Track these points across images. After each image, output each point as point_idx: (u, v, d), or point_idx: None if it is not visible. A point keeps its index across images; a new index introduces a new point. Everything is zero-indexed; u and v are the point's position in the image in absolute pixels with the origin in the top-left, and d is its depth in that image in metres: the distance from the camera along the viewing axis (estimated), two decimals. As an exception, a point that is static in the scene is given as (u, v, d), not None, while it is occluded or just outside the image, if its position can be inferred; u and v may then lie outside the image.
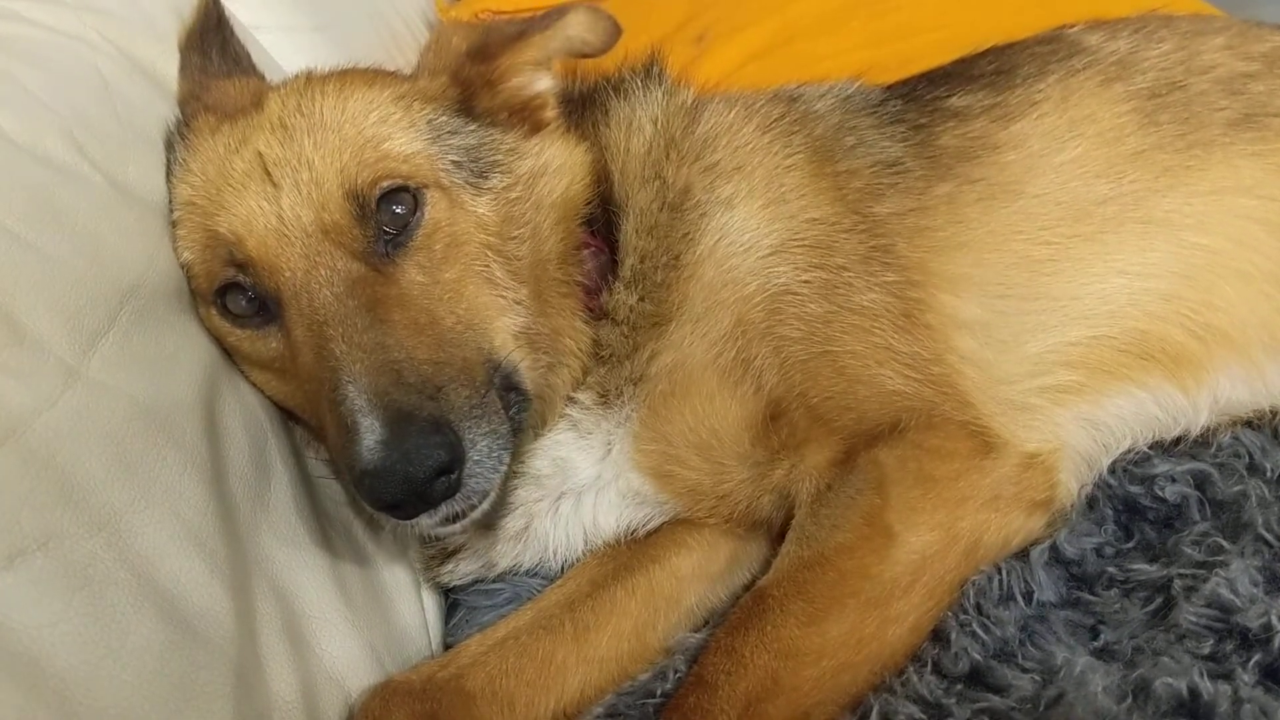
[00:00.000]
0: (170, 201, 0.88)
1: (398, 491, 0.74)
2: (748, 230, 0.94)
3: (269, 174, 0.85)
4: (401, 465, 0.74)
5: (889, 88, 1.12)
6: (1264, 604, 0.68)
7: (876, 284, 0.92)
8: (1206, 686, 0.63)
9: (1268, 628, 0.66)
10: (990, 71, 1.05)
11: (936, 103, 1.03)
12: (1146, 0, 1.31)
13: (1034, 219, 0.95)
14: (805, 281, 0.91)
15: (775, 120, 1.04)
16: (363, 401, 0.75)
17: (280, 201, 0.83)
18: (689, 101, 1.05)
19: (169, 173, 0.91)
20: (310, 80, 0.92)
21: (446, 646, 0.93)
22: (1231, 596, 0.69)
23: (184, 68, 1.01)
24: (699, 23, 1.64)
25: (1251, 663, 0.65)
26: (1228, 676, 0.65)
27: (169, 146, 0.93)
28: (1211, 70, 1.00)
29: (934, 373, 0.88)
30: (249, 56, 1.10)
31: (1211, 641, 0.67)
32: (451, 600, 0.96)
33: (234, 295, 0.85)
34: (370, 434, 0.74)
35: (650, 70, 1.07)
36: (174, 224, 0.88)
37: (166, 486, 0.70)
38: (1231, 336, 0.91)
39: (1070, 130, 0.99)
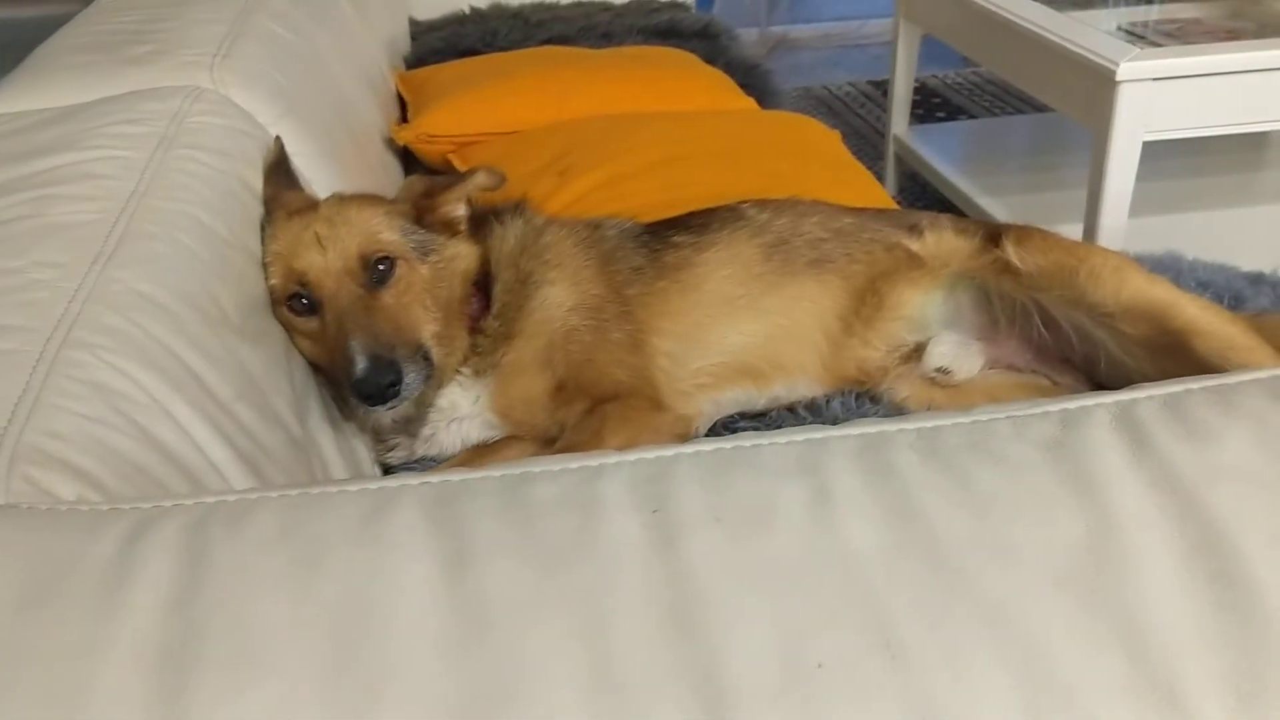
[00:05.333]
0: (263, 253, 1.56)
1: (370, 393, 1.46)
2: (559, 297, 1.71)
3: (321, 244, 1.51)
4: (374, 379, 1.47)
5: (648, 225, 1.88)
6: None
7: (621, 329, 1.70)
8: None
9: None
10: (697, 224, 1.84)
11: (666, 237, 1.82)
12: (798, 185, 2.23)
13: (704, 303, 1.74)
14: (585, 324, 1.69)
15: (583, 239, 1.82)
16: (358, 351, 1.49)
17: (327, 257, 1.51)
18: (539, 224, 1.82)
19: (262, 239, 1.62)
20: (343, 198, 1.67)
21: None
22: None
23: (266, 183, 1.70)
24: (564, 161, 2.37)
25: None
26: None
27: (262, 226, 1.64)
28: (805, 235, 1.81)
29: (643, 374, 1.67)
30: (297, 177, 1.83)
31: None
32: (387, 471, 1.75)
33: (296, 300, 1.52)
34: (360, 365, 1.48)
35: (519, 206, 1.85)
36: (266, 265, 1.59)
37: (280, 386, 1.47)
38: (785, 366, 1.74)
39: (729, 259, 1.77)
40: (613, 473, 0.80)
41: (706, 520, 0.74)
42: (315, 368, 1.67)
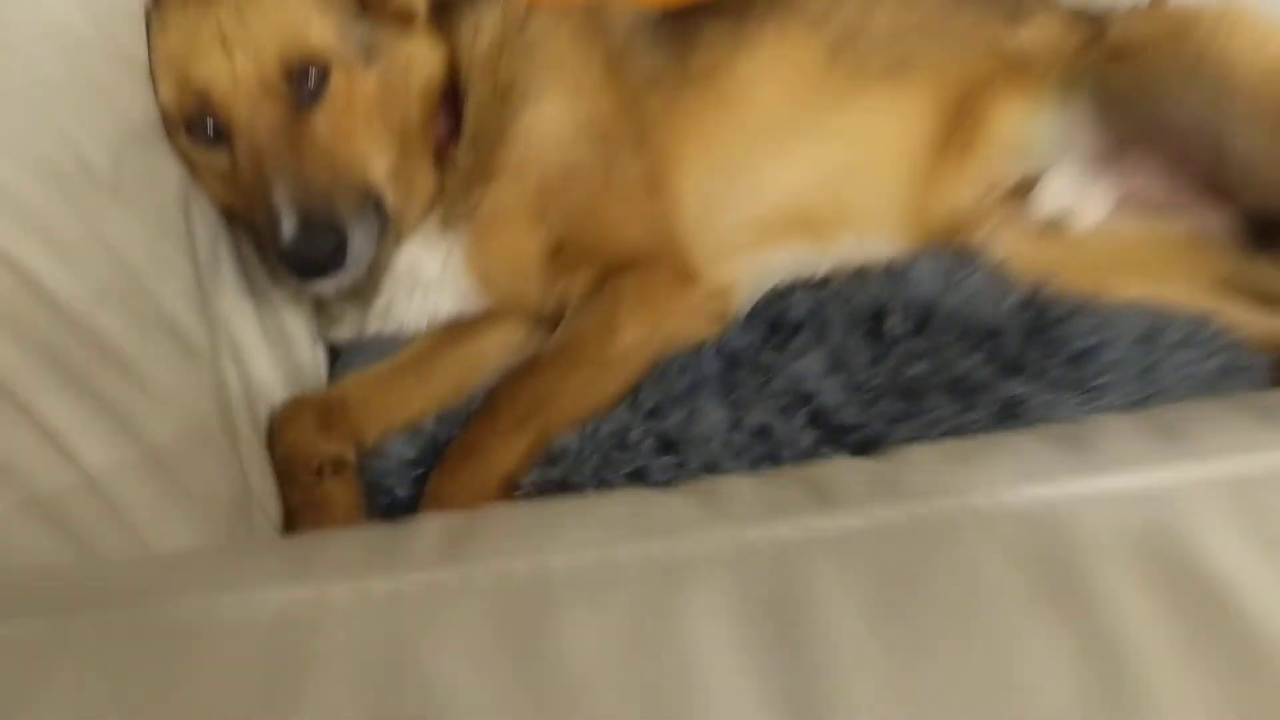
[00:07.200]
0: (150, 55, 1.19)
1: (304, 264, 1.12)
2: (553, 115, 1.30)
3: (226, 44, 1.14)
4: (307, 248, 1.10)
5: (667, 10, 1.44)
6: (817, 380, 1.13)
7: (637, 163, 1.30)
8: (777, 423, 1.12)
9: (817, 391, 1.12)
10: (733, 9, 1.41)
11: (694, 30, 1.39)
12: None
13: (744, 126, 1.34)
14: (588, 156, 1.29)
15: (583, 31, 1.38)
16: (284, 204, 1.11)
17: (235, 64, 1.15)
18: (522, 11, 1.38)
19: (148, 33, 1.19)
20: None
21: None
22: (803, 375, 1.14)
23: None
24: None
25: (803, 412, 1.11)
26: (789, 419, 1.13)
27: (147, 15, 1.20)
28: (879, 28, 1.38)
29: (663, 228, 1.28)
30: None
31: (786, 399, 1.13)
32: (334, 353, 1.35)
33: (198, 126, 1.17)
34: (289, 226, 1.10)
35: None
36: (153, 72, 1.18)
37: (173, 264, 1.07)
38: (855, 215, 1.34)
39: (779, 62, 1.36)
40: None
41: None
42: (230, 215, 1.26)
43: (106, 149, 1.07)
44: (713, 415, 1.12)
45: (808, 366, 1.16)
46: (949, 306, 1.21)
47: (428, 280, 1.31)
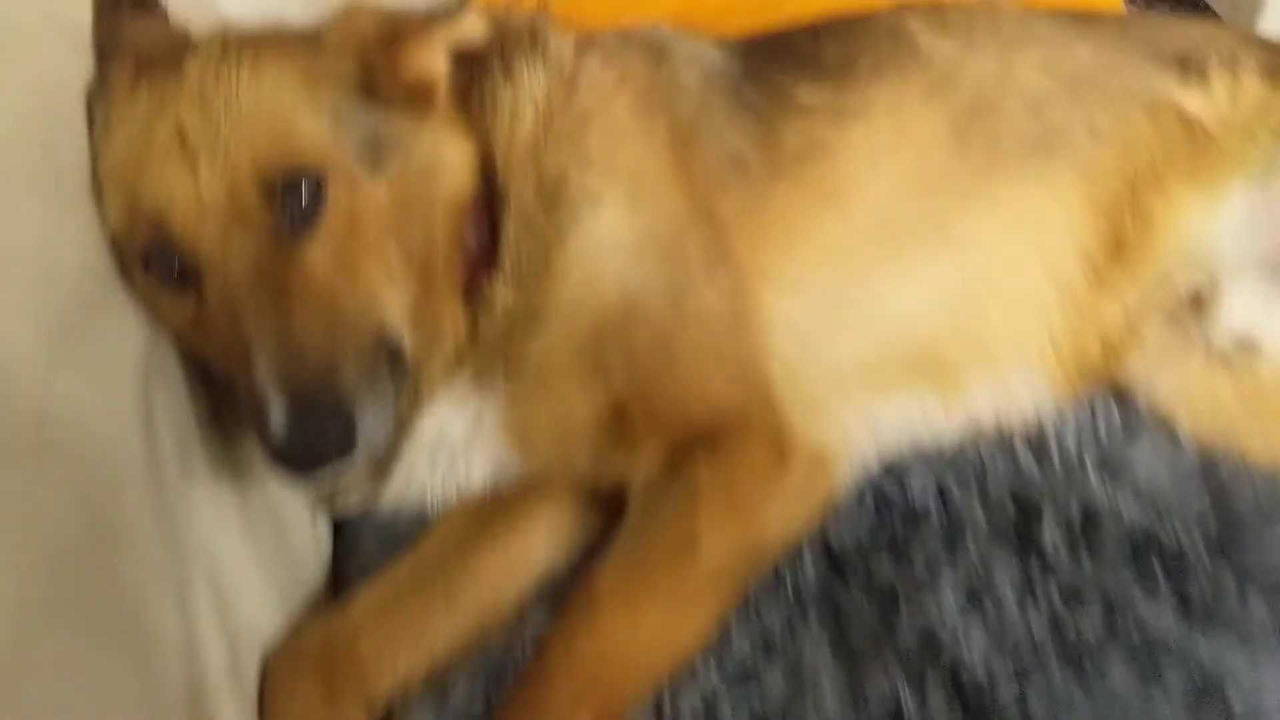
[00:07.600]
0: (94, 165, 0.91)
1: (298, 470, 0.86)
2: (611, 232, 1.01)
3: (188, 150, 0.89)
4: (302, 439, 0.84)
5: (745, 56, 1.14)
6: (953, 623, 0.89)
7: (716, 286, 1.02)
8: (906, 695, 0.86)
9: (954, 641, 0.88)
10: (834, 62, 1.11)
11: (785, 94, 1.09)
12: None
13: (852, 230, 1.06)
14: (656, 285, 1.01)
15: (644, 93, 1.08)
16: (270, 379, 0.84)
17: (198, 180, 0.88)
18: (568, 68, 1.07)
19: (90, 131, 0.92)
20: (227, 48, 0.93)
21: (335, 565, 1.09)
22: (933, 609, 0.90)
23: (97, 8, 0.97)
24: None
25: (939, 674, 0.86)
26: (921, 678, 0.87)
27: (89, 108, 0.93)
28: (1021, 89, 1.09)
29: (752, 378, 1.01)
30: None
31: (914, 650, 0.88)
32: (340, 525, 1.11)
33: (157, 260, 0.90)
34: (278, 411, 0.84)
35: (534, 29, 1.08)
36: (100, 191, 0.90)
37: (128, 514, 0.81)
38: (991, 353, 1.07)
39: (894, 142, 1.07)
40: None
41: None
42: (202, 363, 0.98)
43: (43, 335, 0.79)
44: (822, 676, 0.89)
45: (940, 597, 0.92)
46: (1114, 509, 0.96)
47: (455, 444, 1.04)
